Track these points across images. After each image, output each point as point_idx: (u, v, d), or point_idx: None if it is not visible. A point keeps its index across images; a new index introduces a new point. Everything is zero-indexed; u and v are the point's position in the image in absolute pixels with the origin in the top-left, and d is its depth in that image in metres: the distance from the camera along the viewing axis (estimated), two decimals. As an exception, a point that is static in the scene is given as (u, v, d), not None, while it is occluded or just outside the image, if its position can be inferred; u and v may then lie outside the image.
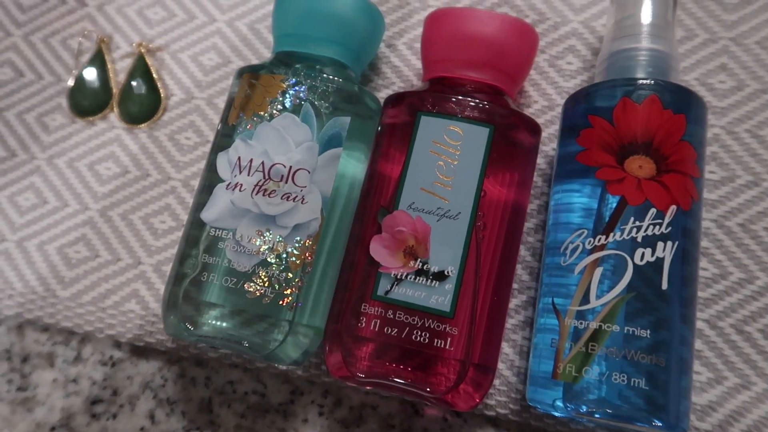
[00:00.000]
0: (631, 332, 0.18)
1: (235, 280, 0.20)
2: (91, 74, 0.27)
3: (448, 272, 0.19)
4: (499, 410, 0.22)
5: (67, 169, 0.26)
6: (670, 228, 0.18)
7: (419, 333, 0.19)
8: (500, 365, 0.22)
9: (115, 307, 0.24)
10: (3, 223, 0.26)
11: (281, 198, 0.21)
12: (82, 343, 0.25)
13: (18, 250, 0.26)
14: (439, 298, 0.19)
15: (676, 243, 0.18)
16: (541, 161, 0.24)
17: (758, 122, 0.24)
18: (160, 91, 0.27)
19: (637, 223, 0.18)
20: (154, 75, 0.27)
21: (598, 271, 0.18)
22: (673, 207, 0.18)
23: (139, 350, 0.25)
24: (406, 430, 0.23)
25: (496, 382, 0.22)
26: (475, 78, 0.22)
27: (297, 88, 0.22)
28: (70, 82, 0.27)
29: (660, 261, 0.18)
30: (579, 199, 0.20)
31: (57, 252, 0.25)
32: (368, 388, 0.21)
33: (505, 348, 0.22)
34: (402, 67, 0.26)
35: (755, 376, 0.21)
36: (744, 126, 0.24)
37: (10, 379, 0.25)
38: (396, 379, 0.19)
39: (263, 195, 0.21)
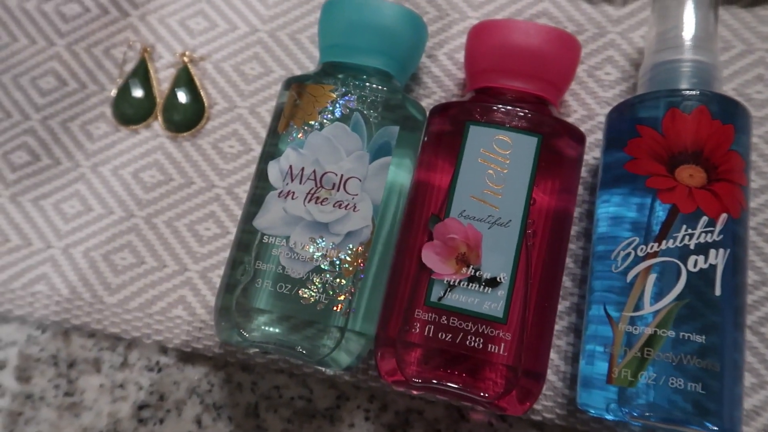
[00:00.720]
0: (685, 337, 0.18)
1: (289, 286, 0.20)
2: (134, 83, 0.28)
3: (500, 279, 0.20)
4: (545, 415, 0.22)
5: (112, 177, 0.27)
6: (721, 236, 0.19)
7: (473, 338, 0.19)
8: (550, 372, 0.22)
9: (162, 313, 0.25)
10: (49, 230, 0.26)
11: (333, 206, 0.21)
12: (129, 349, 0.25)
13: (64, 257, 0.26)
14: (492, 304, 0.20)
15: (728, 250, 0.19)
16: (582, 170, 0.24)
17: (796, 132, 0.24)
18: (204, 100, 0.27)
19: (689, 231, 0.19)
20: (197, 84, 0.27)
21: (651, 277, 0.19)
22: (724, 215, 0.19)
23: (186, 356, 0.25)
24: (458, 419, 0.23)
25: (546, 390, 0.22)
26: (520, 88, 0.22)
27: (346, 97, 0.22)
28: (114, 92, 0.28)
29: (713, 268, 0.18)
30: (629, 207, 0.20)
31: (103, 259, 0.26)
32: (418, 393, 0.21)
33: (551, 354, 0.23)
34: (443, 77, 0.27)
35: (799, 382, 0.22)
36: (782, 135, 0.24)
37: (57, 384, 0.25)
38: (451, 384, 0.19)
39: (315, 203, 0.21)
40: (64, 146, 0.27)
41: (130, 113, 0.27)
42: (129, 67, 0.28)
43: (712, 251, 0.18)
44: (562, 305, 0.23)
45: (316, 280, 0.21)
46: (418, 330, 0.20)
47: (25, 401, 0.25)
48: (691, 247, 0.18)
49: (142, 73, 0.28)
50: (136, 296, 0.25)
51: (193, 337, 0.24)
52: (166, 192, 0.26)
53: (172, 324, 0.25)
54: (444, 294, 0.20)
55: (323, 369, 0.24)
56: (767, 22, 0.25)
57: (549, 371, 0.23)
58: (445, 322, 0.20)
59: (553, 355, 0.23)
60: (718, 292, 0.18)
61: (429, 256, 0.21)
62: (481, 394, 0.19)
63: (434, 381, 0.20)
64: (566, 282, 0.23)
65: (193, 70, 0.27)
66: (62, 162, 0.27)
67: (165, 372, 0.25)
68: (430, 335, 0.20)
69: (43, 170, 0.27)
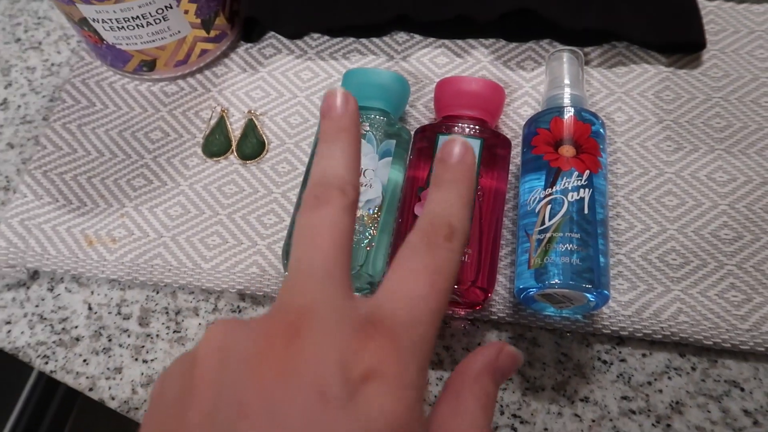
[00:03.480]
0: (569, 236, 0.31)
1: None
2: (217, 131, 0.42)
3: (462, 217, 0.33)
4: (500, 315, 0.34)
5: (203, 191, 0.40)
6: (587, 182, 0.32)
7: (448, 251, 0.32)
8: (498, 288, 0.35)
9: (241, 272, 0.37)
10: (160, 226, 0.39)
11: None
12: (218, 299, 0.37)
13: (173, 242, 0.38)
14: (458, 231, 0.32)
15: (590, 190, 0.32)
16: (512, 167, 0.38)
17: (643, 138, 0.38)
18: (264, 140, 0.41)
19: (567, 180, 0.32)
20: (259, 130, 0.41)
21: (548, 207, 0.32)
22: (587, 171, 0.32)
23: (258, 300, 0.37)
24: (441, 336, 0.35)
25: (496, 297, 0.35)
26: (469, 114, 0.36)
27: (363, 124, 0.36)
28: (203, 137, 0.42)
29: (582, 199, 0.32)
30: (535, 174, 0.34)
31: (199, 242, 0.38)
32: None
33: (501, 279, 0.35)
34: (420, 117, 0.41)
35: (656, 284, 0.34)
36: (635, 141, 0.38)
37: (168, 326, 0.37)
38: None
39: (347, 183, 0.34)
40: (169, 174, 0.41)
41: (215, 150, 0.41)
42: (213, 121, 0.42)
43: (582, 190, 0.32)
44: (505, 250, 0.36)
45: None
46: (414, 251, 0.33)
47: (146, 339, 0.37)
48: (569, 188, 0.32)
49: (222, 125, 0.42)
50: (223, 263, 0.37)
51: (263, 285, 0.36)
52: (240, 198, 0.39)
53: (249, 279, 0.37)
54: (429, 229, 0.33)
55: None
56: (622, 75, 0.41)
57: (500, 288, 0.35)
58: (430, 244, 0.32)
59: (502, 279, 0.35)
60: (586, 211, 0.31)
61: (418, 208, 0.34)
62: (456, 286, 0.32)
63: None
64: (507, 235, 0.36)
65: (256, 122, 0.42)
66: (168, 183, 0.41)
67: (243, 312, 0.37)
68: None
69: (155, 189, 0.40)
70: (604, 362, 0.33)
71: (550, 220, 0.32)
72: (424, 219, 0.22)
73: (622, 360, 0.33)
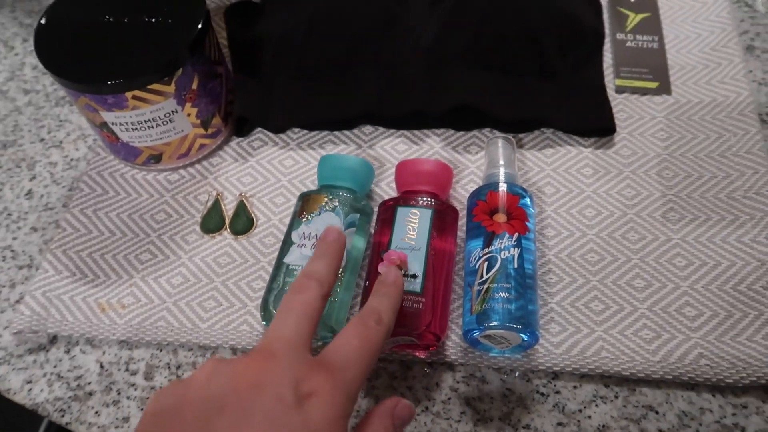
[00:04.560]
0: (503, 287, 0.38)
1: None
2: (213, 211, 0.49)
3: (416, 274, 0.40)
4: (452, 357, 0.40)
5: (200, 263, 0.47)
6: (516, 242, 0.39)
7: (408, 303, 0.39)
8: (451, 335, 0.41)
9: (234, 329, 0.43)
10: (164, 293, 0.45)
11: (331, 251, 0.42)
12: (214, 353, 0.43)
13: (174, 307, 0.45)
14: (414, 285, 0.39)
15: (520, 249, 0.39)
16: (460, 232, 0.46)
17: (568, 207, 0.46)
18: (253, 218, 0.48)
19: (500, 241, 0.39)
20: (249, 210, 0.49)
21: (485, 263, 0.39)
22: (517, 233, 0.40)
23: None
24: (405, 378, 0.41)
25: (449, 342, 0.41)
26: (423, 189, 0.44)
27: (332, 200, 0.44)
28: (200, 217, 0.49)
29: (513, 256, 0.39)
30: (475, 237, 0.41)
31: (197, 305, 0.45)
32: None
33: (453, 327, 0.42)
34: (383, 194, 0.49)
35: (582, 326, 0.41)
36: (562, 209, 0.46)
37: (170, 378, 0.42)
38: (405, 332, 0.38)
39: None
40: (172, 249, 0.48)
41: (211, 227, 0.48)
42: (210, 203, 0.50)
43: (512, 249, 0.39)
44: (457, 303, 0.43)
45: (324, 285, 0.40)
46: (378, 304, 0.39)
47: (150, 390, 0.42)
48: (502, 248, 0.39)
49: (217, 206, 0.49)
50: (218, 322, 0.44)
51: (253, 340, 0.43)
52: (233, 267, 0.46)
53: (240, 335, 0.43)
54: (390, 285, 0.40)
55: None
56: (549, 157, 0.49)
57: (453, 335, 0.41)
58: (391, 298, 0.39)
59: (455, 327, 0.42)
60: (516, 266, 0.39)
61: (381, 267, 0.40)
62: (413, 331, 0.38)
63: (395, 334, 0.38)
64: (457, 289, 0.43)
65: (246, 203, 0.49)
66: (170, 257, 0.47)
67: (236, 364, 0.42)
68: (384, 305, 0.39)
69: (159, 262, 0.47)
70: (542, 394, 0.39)
71: (487, 273, 0.39)
72: (365, 308, 0.33)
73: (557, 392, 0.39)
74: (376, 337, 0.32)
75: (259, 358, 0.29)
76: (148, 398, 0.42)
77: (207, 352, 0.43)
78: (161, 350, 0.44)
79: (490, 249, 0.40)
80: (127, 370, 0.43)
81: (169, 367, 0.43)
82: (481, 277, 0.39)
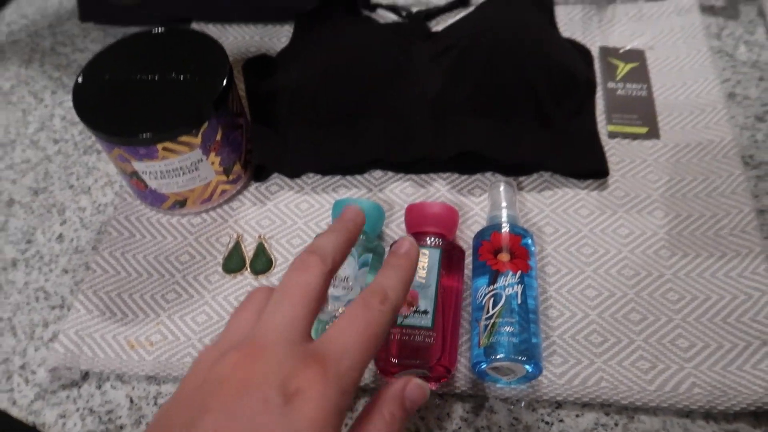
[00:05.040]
0: (508, 321, 0.41)
1: (324, 323, 0.43)
2: (234, 253, 0.52)
3: (426, 310, 0.43)
4: (462, 389, 0.43)
5: (223, 301, 0.50)
6: (519, 280, 0.43)
7: (420, 337, 0.42)
8: (460, 367, 0.44)
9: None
10: (189, 331, 0.48)
11: (341, 288, 0.45)
12: (237, 387, 0.46)
13: (199, 343, 0.48)
14: (425, 321, 0.42)
15: (523, 286, 0.42)
16: (467, 270, 0.49)
17: (567, 245, 0.49)
18: (272, 258, 0.52)
19: (504, 279, 0.43)
20: (268, 251, 0.52)
21: (491, 299, 0.42)
22: (520, 271, 0.43)
23: (269, 386, 0.45)
24: (418, 409, 0.43)
25: (459, 375, 0.44)
26: (431, 230, 0.47)
27: (349, 243, 0.47)
28: (222, 258, 0.52)
29: (516, 293, 0.42)
30: (481, 275, 0.44)
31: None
32: (395, 373, 0.42)
33: (463, 360, 0.44)
34: (394, 235, 0.52)
35: (583, 358, 0.44)
36: (561, 247, 0.49)
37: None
38: (417, 365, 0.41)
39: (334, 288, 0.45)
40: (196, 288, 0.51)
41: (232, 267, 0.51)
42: (231, 245, 0.53)
43: (516, 286, 0.42)
44: (465, 338, 0.45)
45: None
46: (393, 338, 0.42)
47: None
48: (506, 285, 0.42)
49: (238, 248, 0.53)
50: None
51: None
52: (254, 305, 0.49)
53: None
54: (404, 319, 0.43)
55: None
56: (548, 198, 0.52)
57: (462, 367, 0.44)
58: (410, 333, 0.42)
59: (464, 360, 0.44)
60: (519, 302, 0.42)
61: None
62: (426, 366, 0.41)
63: (404, 367, 0.41)
64: (465, 324, 0.46)
65: (265, 244, 0.53)
66: (194, 296, 0.50)
67: (258, 397, 0.45)
68: (400, 338, 0.42)
69: (184, 301, 0.50)
70: (547, 423, 0.42)
71: (492, 309, 0.42)
72: (368, 287, 0.30)
73: (561, 420, 0.42)
74: (379, 319, 0.28)
75: (248, 353, 0.27)
76: (175, 431, 0.44)
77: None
78: (150, 384, 0.46)
79: (495, 286, 0.43)
80: (155, 404, 0.46)
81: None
82: (487, 312, 0.42)
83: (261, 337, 0.27)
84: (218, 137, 0.50)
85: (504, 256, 0.44)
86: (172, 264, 0.52)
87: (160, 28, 0.54)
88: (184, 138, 0.47)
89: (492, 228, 0.46)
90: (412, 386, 0.30)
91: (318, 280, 0.29)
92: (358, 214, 0.34)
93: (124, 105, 0.49)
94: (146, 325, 0.49)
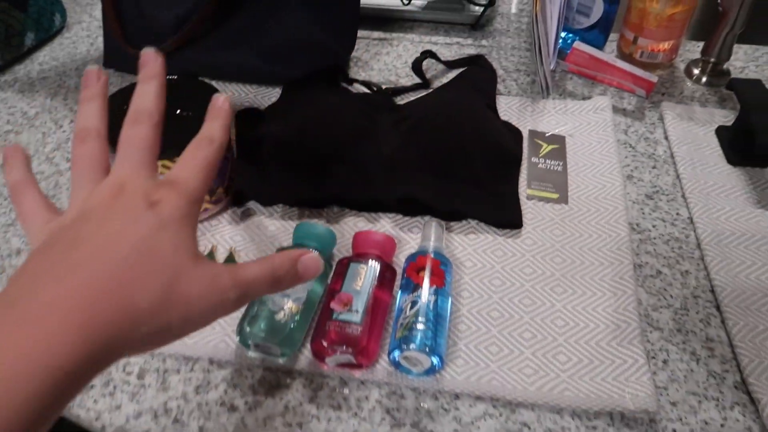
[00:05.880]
0: (421, 321, 0.51)
1: (267, 307, 0.53)
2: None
3: (358, 309, 0.53)
4: (380, 376, 0.53)
5: (193, 296, 0.59)
6: (434, 292, 0.53)
7: (350, 329, 0.52)
8: (381, 362, 0.53)
9: (213, 346, 0.55)
10: (161, 316, 0.58)
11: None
12: (195, 363, 0.55)
13: (168, 326, 0.57)
14: (356, 318, 0.52)
15: (436, 297, 0.53)
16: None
17: (482, 277, 0.60)
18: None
19: (421, 290, 0.53)
20: (235, 258, 0.62)
21: (409, 305, 0.53)
22: (435, 286, 0.54)
23: (222, 365, 0.54)
24: (342, 391, 0.52)
25: (379, 366, 0.53)
26: (372, 253, 0.58)
27: (303, 255, 0.58)
28: (197, 263, 0.62)
29: (430, 302, 0.53)
30: (406, 289, 0.55)
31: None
32: (328, 359, 0.52)
33: (383, 355, 0.54)
34: (341, 256, 0.63)
35: (481, 362, 0.53)
36: (477, 278, 0.60)
37: (159, 380, 0.54)
38: (344, 351, 0.51)
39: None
40: (171, 284, 0.60)
41: (205, 270, 0.61)
42: (206, 252, 0.63)
43: (431, 296, 0.53)
44: (387, 341, 0.55)
45: (281, 313, 0.53)
46: (329, 329, 0.52)
47: (141, 388, 0.53)
48: (421, 294, 0.53)
49: (211, 255, 0.63)
50: (201, 340, 0.55)
51: (227, 355, 0.54)
52: (218, 301, 0.59)
53: (218, 350, 0.55)
54: (338, 315, 0.53)
55: (280, 359, 0.54)
56: (472, 241, 0.64)
57: (382, 360, 0.53)
58: (341, 325, 0.52)
59: (384, 354, 0.54)
60: (431, 308, 0.52)
61: (333, 304, 0.54)
62: (353, 353, 0.51)
63: (337, 351, 0.51)
64: (389, 327, 0.56)
65: (234, 254, 0.63)
66: (169, 290, 0.60)
67: (210, 373, 0.54)
68: (335, 330, 0.52)
69: (160, 293, 0.60)
70: (445, 409, 0.51)
71: (410, 311, 0.52)
72: (200, 134, 0.41)
73: (457, 408, 0.51)
74: (210, 154, 0.39)
75: (112, 186, 0.35)
76: (137, 393, 0.53)
77: (189, 361, 0.55)
78: (153, 358, 0.55)
79: (414, 294, 0.53)
80: (124, 371, 0.54)
81: (158, 372, 0.54)
82: (405, 313, 0.52)
83: (119, 177, 0.36)
84: (208, 162, 0.62)
85: (424, 274, 0.55)
86: (154, 263, 0.62)
87: (171, 76, 0.67)
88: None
89: (419, 252, 0.58)
90: (310, 256, 0.39)
91: (150, 130, 0.39)
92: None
93: (136, 128, 0.61)
94: (125, 308, 0.58)
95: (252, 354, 0.54)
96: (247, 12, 0.80)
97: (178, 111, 0.62)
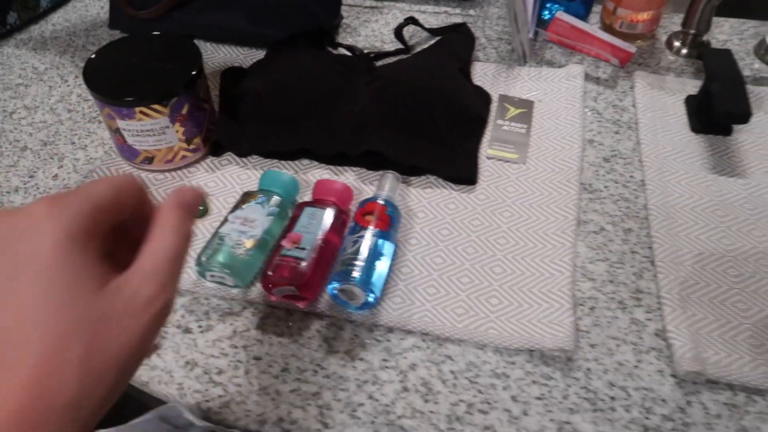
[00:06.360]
0: (360, 258, 0.55)
1: (229, 247, 0.58)
2: (182, 201, 0.68)
3: (305, 247, 0.58)
4: (322, 308, 0.57)
5: (165, 233, 0.65)
6: (376, 233, 0.57)
7: (295, 264, 0.56)
8: (324, 296, 0.58)
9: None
10: (134, 249, 0.63)
11: (248, 227, 0.60)
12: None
13: (139, 258, 0.62)
14: (303, 254, 0.57)
15: (377, 238, 0.57)
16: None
17: (431, 228, 0.64)
18: (209, 208, 0.67)
19: (365, 231, 0.58)
20: (207, 203, 0.68)
21: (353, 244, 0.57)
22: (378, 229, 0.58)
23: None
24: (287, 321, 0.57)
25: (322, 301, 0.58)
26: (330, 199, 0.63)
27: (261, 197, 0.62)
28: (172, 204, 0.68)
29: (372, 242, 0.57)
30: (352, 230, 0.59)
31: (155, 259, 0.62)
32: (275, 289, 0.57)
33: (326, 291, 0.58)
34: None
35: (416, 301, 0.57)
36: (426, 228, 0.64)
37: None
38: (288, 282, 0.56)
39: (242, 225, 0.60)
40: (147, 222, 0.66)
41: (178, 211, 0.67)
42: (181, 196, 0.69)
43: (372, 237, 0.57)
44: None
45: (237, 248, 0.58)
46: (278, 263, 0.57)
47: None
48: (365, 235, 0.57)
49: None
50: (167, 271, 0.61)
51: (187, 283, 0.60)
52: (187, 239, 0.64)
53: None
54: (287, 251, 0.57)
55: (233, 290, 0.59)
56: (428, 195, 0.68)
57: (325, 294, 0.58)
58: (288, 260, 0.57)
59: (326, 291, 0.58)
60: (373, 248, 0.56)
61: (283, 242, 0.58)
62: (295, 283, 0.55)
63: (282, 284, 0.56)
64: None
65: (207, 199, 0.68)
66: (145, 227, 0.66)
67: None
68: (280, 264, 0.56)
69: (136, 229, 0.66)
70: (378, 341, 0.56)
71: (351, 248, 0.56)
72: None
73: (388, 340, 0.56)
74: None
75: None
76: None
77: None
78: (123, 285, 0.61)
79: (358, 235, 0.58)
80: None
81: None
82: (346, 251, 0.57)
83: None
84: (184, 112, 0.67)
85: (371, 218, 0.59)
86: (134, 204, 0.68)
87: (157, 33, 0.72)
88: (156, 106, 0.64)
89: (370, 199, 0.62)
90: (184, 191, 0.34)
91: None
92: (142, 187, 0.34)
93: (118, 77, 0.66)
94: (103, 241, 0.64)
95: (209, 283, 0.60)
96: (238, -24, 0.85)
97: (158, 62, 0.68)
